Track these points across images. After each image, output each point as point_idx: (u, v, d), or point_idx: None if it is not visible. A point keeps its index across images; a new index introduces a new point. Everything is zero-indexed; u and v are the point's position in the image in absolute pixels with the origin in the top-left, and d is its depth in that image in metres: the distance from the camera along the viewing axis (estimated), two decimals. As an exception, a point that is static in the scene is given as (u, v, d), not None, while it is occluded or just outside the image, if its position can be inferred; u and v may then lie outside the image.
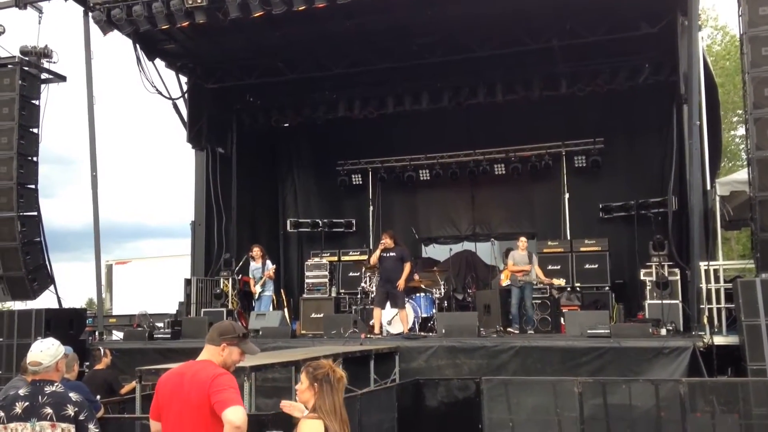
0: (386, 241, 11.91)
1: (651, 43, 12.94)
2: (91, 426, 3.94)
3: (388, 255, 11.87)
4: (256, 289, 13.00)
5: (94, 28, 12.44)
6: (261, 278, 12.99)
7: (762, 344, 8.75)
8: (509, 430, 8.26)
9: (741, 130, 24.81)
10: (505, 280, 12.41)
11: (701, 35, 12.02)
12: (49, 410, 3.87)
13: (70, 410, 3.90)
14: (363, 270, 14.16)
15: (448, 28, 12.83)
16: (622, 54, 13.87)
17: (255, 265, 13.17)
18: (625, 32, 12.60)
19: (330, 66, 14.49)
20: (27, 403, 3.90)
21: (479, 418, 8.28)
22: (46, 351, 4.07)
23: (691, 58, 11.02)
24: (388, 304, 12.05)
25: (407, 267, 11.77)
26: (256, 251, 13.33)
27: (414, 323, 12.37)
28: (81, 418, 3.91)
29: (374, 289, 13.02)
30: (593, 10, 12.27)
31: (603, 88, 14.48)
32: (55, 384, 4.03)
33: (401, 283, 11.67)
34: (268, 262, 13.33)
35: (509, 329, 11.83)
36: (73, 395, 4.01)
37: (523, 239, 12.54)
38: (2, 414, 3.90)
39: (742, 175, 10.69)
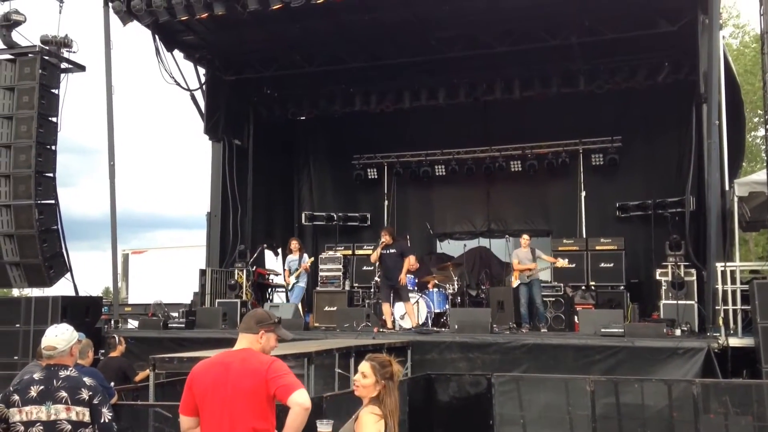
0: (386, 239, 12.00)
1: (671, 41, 12.82)
2: (104, 410, 3.97)
3: (388, 252, 11.95)
4: (291, 279, 13.03)
5: (114, 19, 12.52)
6: (297, 270, 13.01)
7: (778, 347, 8.67)
8: (520, 426, 8.24)
9: (761, 131, 24.57)
10: (515, 281, 12.39)
11: (722, 34, 11.92)
12: (64, 394, 3.91)
13: (85, 394, 3.94)
14: (377, 264, 14.17)
15: (466, 23, 12.78)
16: (641, 52, 13.77)
17: (292, 257, 13.21)
18: (645, 30, 12.48)
19: (347, 59, 14.48)
20: (42, 387, 3.94)
21: (490, 414, 8.26)
22: (60, 336, 4.11)
23: (711, 57, 10.92)
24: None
25: (407, 261, 11.85)
26: (294, 244, 13.39)
27: (427, 318, 12.38)
28: (95, 402, 3.95)
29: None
30: (613, 7, 12.17)
31: (621, 85, 14.40)
32: (70, 368, 4.07)
33: (402, 278, 11.76)
34: (305, 255, 13.38)
35: (521, 329, 11.80)
36: (87, 380, 4.04)
37: (525, 236, 12.56)
38: (17, 398, 3.94)
39: (761, 176, 10.58)
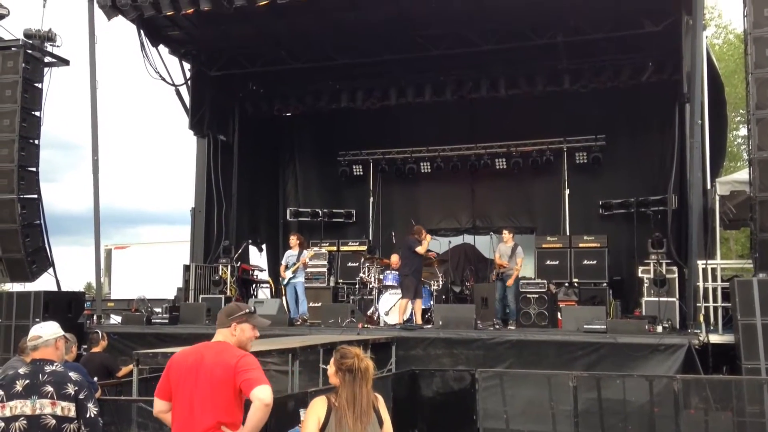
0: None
1: (655, 42, 12.94)
2: (90, 405, 3.96)
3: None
4: (287, 274, 12.84)
5: (99, 13, 12.42)
6: (294, 264, 12.80)
7: (757, 343, 8.79)
8: (503, 421, 8.30)
9: (743, 130, 24.79)
10: (494, 277, 12.45)
11: (706, 34, 12.04)
12: (50, 388, 3.89)
13: (71, 389, 3.92)
14: (362, 260, 14.19)
15: (452, 20, 12.81)
16: (625, 51, 13.89)
17: (291, 252, 13.06)
18: (630, 30, 12.60)
19: (334, 56, 14.48)
20: (27, 381, 3.92)
21: (474, 409, 8.33)
22: (45, 326, 4.15)
23: (695, 57, 11.01)
24: (387, 295, 12.36)
25: None
26: (293, 239, 13.15)
27: (412, 314, 12.41)
28: (81, 397, 3.93)
29: (385, 280, 13.03)
30: (598, 7, 12.27)
31: (606, 85, 14.51)
32: (55, 364, 4.05)
33: None
34: (305, 251, 13.23)
35: (506, 325, 11.88)
36: (73, 375, 4.03)
37: (505, 232, 12.60)
38: (2, 393, 3.90)
39: (743, 174, 10.71)
